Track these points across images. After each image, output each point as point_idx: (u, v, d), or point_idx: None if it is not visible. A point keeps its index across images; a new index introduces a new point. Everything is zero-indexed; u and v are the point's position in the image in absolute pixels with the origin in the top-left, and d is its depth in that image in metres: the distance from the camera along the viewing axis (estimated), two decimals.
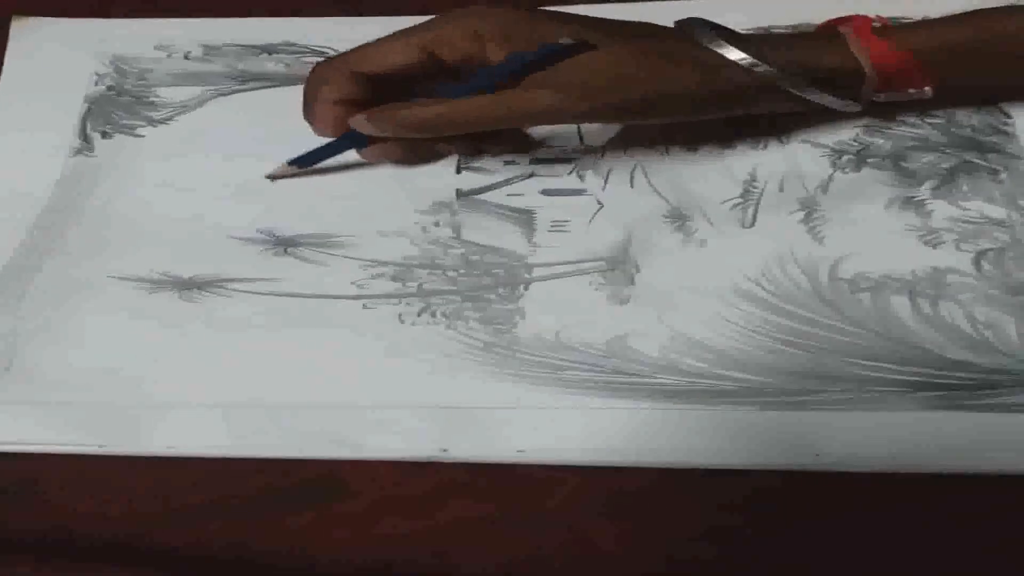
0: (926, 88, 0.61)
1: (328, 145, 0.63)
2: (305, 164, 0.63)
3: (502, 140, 0.64)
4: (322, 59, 0.63)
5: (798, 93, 0.60)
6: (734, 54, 0.59)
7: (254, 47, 0.71)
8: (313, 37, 0.71)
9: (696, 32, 0.60)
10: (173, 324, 0.57)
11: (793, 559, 0.48)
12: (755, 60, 0.59)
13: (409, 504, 0.50)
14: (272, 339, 0.56)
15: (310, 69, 0.62)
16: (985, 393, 0.52)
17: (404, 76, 0.61)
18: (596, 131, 0.65)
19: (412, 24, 0.61)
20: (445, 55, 0.60)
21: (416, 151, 0.64)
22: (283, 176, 0.63)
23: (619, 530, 0.49)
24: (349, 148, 0.63)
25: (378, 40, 0.61)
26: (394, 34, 0.61)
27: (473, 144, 0.64)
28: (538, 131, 0.65)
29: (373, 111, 0.61)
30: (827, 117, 0.63)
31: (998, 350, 0.53)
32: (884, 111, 0.63)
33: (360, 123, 0.61)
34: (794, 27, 0.68)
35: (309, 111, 0.62)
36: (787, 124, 0.64)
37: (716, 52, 0.59)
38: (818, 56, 0.60)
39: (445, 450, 0.51)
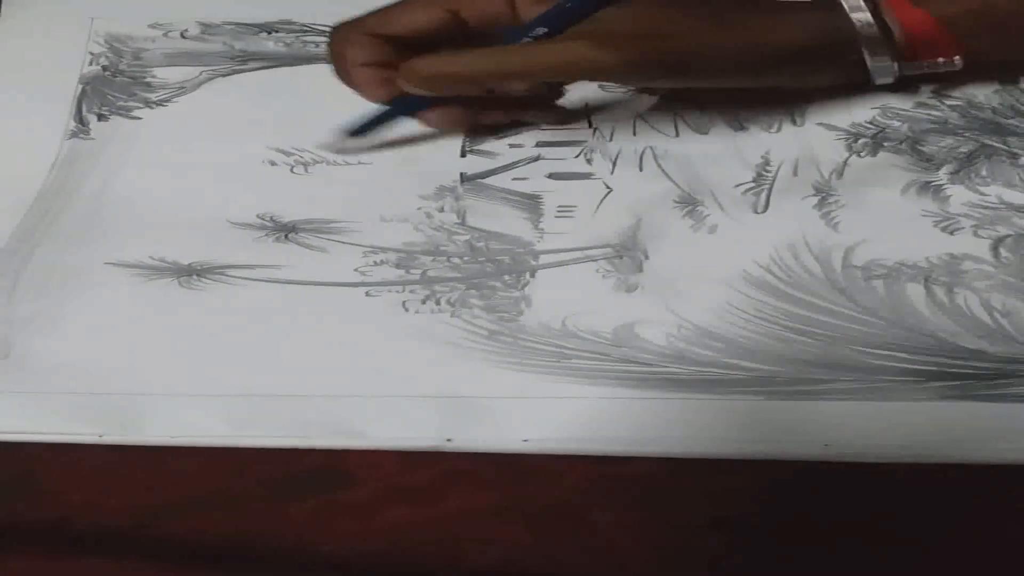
0: (956, 59, 0.63)
1: (383, 113, 0.64)
2: (361, 133, 0.65)
3: (543, 108, 0.66)
4: (340, 23, 0.64)
5: (870, 56, 0.61)
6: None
7: (253, 25, 0.73)
8: (314, 15, 0.73)
9: None
10: (172, 312, 0.58)
11: (801, 550, 0.49)
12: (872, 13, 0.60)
13: (413, 493, 0.51)
14: (273, 327, 0.57)
15: (329, 33, 0.64)
16: (999, 383, 0.53)
17: (431, 39, 0.62)
18: (605, 112, 0.67)
19: None
20: (469, 15, 0.61)
21: (473, 118, 0.65)
22: (343, 150, 0.65)
23: (625, 520, 0.50)
24: (403, 114, 0.64)
25: (399, 1, 0.63)
26: None
27: (515, 113, 0.65)
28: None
29: (401, 67, 0.61)
30: (843, 98, 0.65)
31: (1014, 339, 0.54)
32: (905, 90, 0.65)
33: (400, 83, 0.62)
34: None
35: (346, 76, 0.63)
36: (802, 106, 0.66)
37: (763, 15, 0.60)
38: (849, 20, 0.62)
39: (449, 440, 0.52)
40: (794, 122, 0.66)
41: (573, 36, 0.60)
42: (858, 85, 0.65)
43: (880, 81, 0.63)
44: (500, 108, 0.65)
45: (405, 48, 0.62)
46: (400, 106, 0.64)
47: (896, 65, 0.63)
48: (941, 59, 0.63)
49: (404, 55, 0.62)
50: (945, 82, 0.65)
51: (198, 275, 0.60)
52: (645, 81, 0.65)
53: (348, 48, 0.63)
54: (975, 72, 0.65)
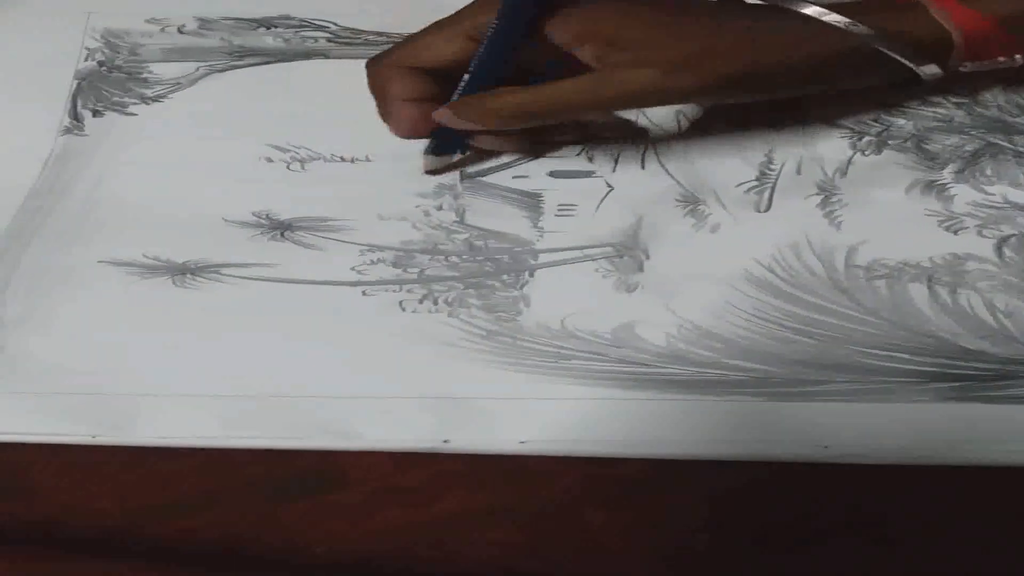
0: (1017, 56, 0.63)
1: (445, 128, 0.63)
2: (445, 151, 0.64)
3: (609, 126, 0.66)
4: (372, 57, 0.64)
5: (895, 56, 0.61)
6: (831, 17, 0.60)
7: (251, 20, 0.73)
8: (312, 10, 0.73)
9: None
10: (166, 311, 0.58)
11: (800, 552, 0.49)
12: (852, 22, 0.60)
13: (407, 495, 0.51)
14: (268, 327, 0.57)
15: (365, 67, 0.64)
16: (1001, 384, 0.53)
17: (461, 69, 0.62)
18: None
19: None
20: None
21: (532, 140, 0.65)
22: (441, 170, 0.64)
23: (622, 522, 0.50)
24: (455, 144, 0.64)
25: (422, 32, 0.63)
26: (436, 24, 0.63)
27: (582, 130, 0.65)
28: None
29: (456, 103, 0.62)
30: (848, 96, 0.65)
31: (1017, 340, 0.55)
32: (910, 88, 0.65)
33: (445, 116, 0.62)
34: None
35: (386, 113, 0.63)
36: (806, 104, 0.66)
37: (806, 19, 0.60)
38: (901, 22, 0.61)
39: (446, 441, 0.52)
40: (798, 120, 0.66)
41: (628, 63, 0.60)
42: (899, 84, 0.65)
43: (932, 78, 0.63)
44: (576, 128, 0.65)
45: (442, 78, 0.63)
46: (446, 136, 0.64)
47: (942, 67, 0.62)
48: (1001, 58, 0.63)
49: (442, 86, 0.62)
50: (953, 80, 0.65)
51: (192, 274, 0.60)
52: (709, 101, 0.65)
53: (391, 84, 0.63)
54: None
